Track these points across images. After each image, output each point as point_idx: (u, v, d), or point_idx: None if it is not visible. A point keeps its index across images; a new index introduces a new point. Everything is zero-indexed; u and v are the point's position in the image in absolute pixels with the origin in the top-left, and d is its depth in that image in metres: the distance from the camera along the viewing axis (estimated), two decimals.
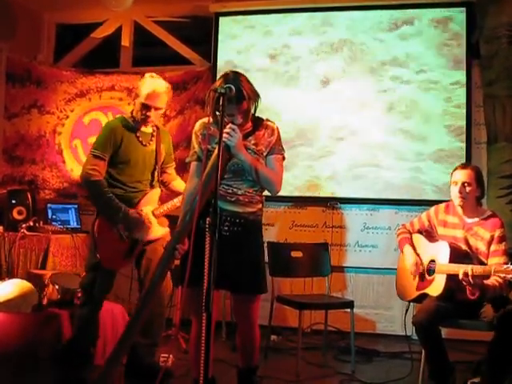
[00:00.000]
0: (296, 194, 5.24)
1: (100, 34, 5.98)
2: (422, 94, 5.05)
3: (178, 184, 3.68)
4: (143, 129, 3.44)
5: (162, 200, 3.54)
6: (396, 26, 5.14)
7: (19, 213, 4.66)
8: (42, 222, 4.65)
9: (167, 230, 3.48)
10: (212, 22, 5.52)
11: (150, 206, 3.44)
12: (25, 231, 4.41)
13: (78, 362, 3.35)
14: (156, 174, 3.52)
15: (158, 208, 3.46)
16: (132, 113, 3.44)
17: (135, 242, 3.36)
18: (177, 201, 3.45)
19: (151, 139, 3.47)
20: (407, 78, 5.09)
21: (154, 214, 3.43)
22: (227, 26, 5.47)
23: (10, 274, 4.25)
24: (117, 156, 3.35)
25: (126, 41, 5.94)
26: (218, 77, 2.82)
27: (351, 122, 5.17)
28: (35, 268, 4.35)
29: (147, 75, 3.45)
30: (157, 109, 3.38)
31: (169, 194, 3.68)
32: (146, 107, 3.34)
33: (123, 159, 3.36)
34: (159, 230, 3.44)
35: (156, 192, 3.51)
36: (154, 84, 3.37)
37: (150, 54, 6.17)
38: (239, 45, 5.42)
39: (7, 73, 5.45)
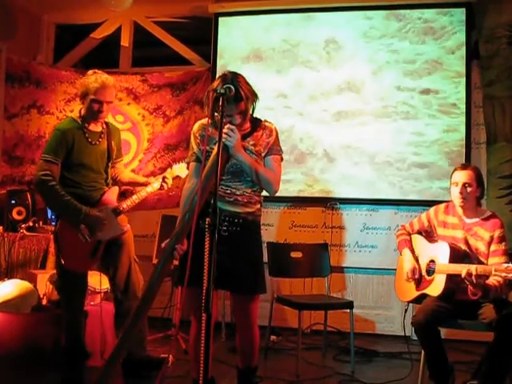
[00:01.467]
0: (295, 194, 5.25)
1: (99, 34, 5.98)
2: (422, 93, 5.06)
3: (128, 175, 3.70)
4: (92, 128, 3.41)
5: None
6: (395, 26, 5.14)
7: (19, 213, 4.65)
8: (41, 223, 4.65)
9: (128, 227, 3.47)
10: (211, 22, 5.52)
11: (110, 204, 3.42)
12: (24, 231, 4.41)
13: (74, 363, 3.35)
14: (109, 171, 3.51)
15: (119, 205, 3.44)
16: (80, 112, 3.41)
17: (98, 242, 3.33)
18: (135, 198, 3.48)
19: (100, 137, 3.44)
20: (407, 78, 5.09)
21: (115, 212, 3.41)
22: (226, 27, 5.48)
23: (10, 275, 4.25)
24: (70, 158, 3.31)
25: (125, 41, 5.94)
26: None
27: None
28: (35, 268, 4.35)
29: (89, 72, 3.40)
30: (108, 102, 3.36)
31: (130, 189, 3.67)
32: (97, 102, 3.31)
33: (76, 161, 3.33)
34: (122, 227, 3.42)
35: (115, 190, 3.50)
36: (101, 78, 3.33)
37: (149, 55, 6.17)
38: (239, 44, 5.43)
39: (6, 73, 5.44)
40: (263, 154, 2.80)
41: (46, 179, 3.21)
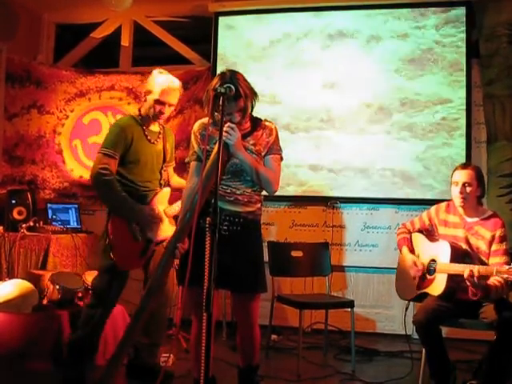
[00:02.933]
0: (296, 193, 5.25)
1: (99, 33, 5.98)
2: (422, 94, 5.06)
3: (177, 181, 3.65)
4: (151, 127, 3.39)
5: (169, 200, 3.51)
6: (395, 26, 5.14)
7: (19, 213, 4.65)
8: (42, 222, 4.65)
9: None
10: (211, 21, 5.52)
11: (161, 205, 3.38)
12: (25, 231, 4.40)
13: (81, 361, 3.32)
14: (163, 172, 3.47)
15: (169, 208, 3.40)
16: (140, 111, 3.38)
17: (148, 241, 3.30)
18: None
19: (158, 137, 3.42)
20: (407, 77, 5.09)
21: (165, 214, 3.37)
22: (226, 25, 5.48)
23: (11, 274, 4.25)
24: (127, 155, 3.26)
25: (125, 41, 5.94)
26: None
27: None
28: (35, 268, 4.35)
29: (156, 71, 3.38)
30: (170, 105, 3.34)
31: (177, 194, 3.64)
32: (160, 103, 3.29)
33: (133, 158, 3.28)
34: (170, 230, 3.35)
35: (167, 191, 3.45)
36: (167, 80, 3.31)
37: (149, 54, 6.17)
38: (239, 44, 5.43)
39: (7, 73, 5.45)
40: (263, 154, 2.80)
41: (104, 173, 3.14)
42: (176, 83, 3.35)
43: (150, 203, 3.33)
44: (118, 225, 3.22)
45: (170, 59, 5.80)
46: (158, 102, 3.28)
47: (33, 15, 5.87)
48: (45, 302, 3.87)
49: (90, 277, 3.89)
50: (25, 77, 5.51)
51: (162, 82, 3.30)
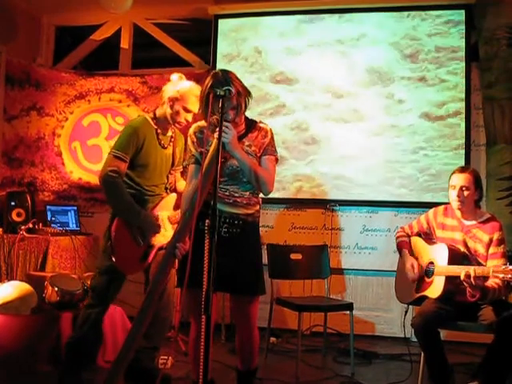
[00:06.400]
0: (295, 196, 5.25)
1: (99, 36, 5.98)
2: (421, 97, 5.07)
3: (182, 184, 3.57)
4: (165, 131, 3.35)
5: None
6: (395, 27, 5.16)
7: (18, 215, 4.65)
8: (41, 224, 4.65)
9: None
10: (211, 24, 5.53)
11: (165, 211, 3.35)
12: (24, 233, 4.40)
13: (82, 363, 3.31)
14: (170, 176, 3.44)
15: (174, 214, 3.36)
16: (155, 113, 3.34)
17: (150, 247, 3.27)
18: None
19: (170, 142, 3.39)
20: (406, 79, 5.10)
21: (169, 220, 3.34)
22: (226, 28, 5.49)
23: (10, 276, 4.25)
24: (137, 158, 3.22)
25: (125, 43, 5.95)
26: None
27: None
28: (34, 270, 4.35)
29: (175, 77, 3.34)
30: (194, 114, 3.29)
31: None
32: (188, 111, 3.26)
33: (143, 162, 3.25)
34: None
35: (172, 197, 3.42)
36: (196, 88, 3.23)
37: (149, 56, 6.17)
38: (238, 46, 5.44)
39: (6, 75, 5.45)
40: (259, 155, 2.80)
41: (113, 175, 3.11)
42: (198, 92, 3.33)
43: (153, 209, 3.31)
44: (121, 228, 3.20)
45: (169, 61, 5.81)
46: (186, 109, 3.25)
47: (32, 17, 5.88)
48: (44, 304, 3.87)
49: (89, 279, 3.90)
50: (24, 79, 5.51)
51: (192, 90, 3.25)
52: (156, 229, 3.27)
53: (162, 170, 3.36)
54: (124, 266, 3.23)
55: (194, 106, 3.25)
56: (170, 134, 3.39)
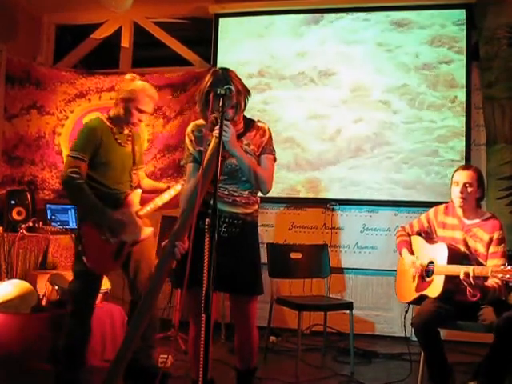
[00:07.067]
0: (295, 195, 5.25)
1: (100, 34, 5.98)
2: (421, 97, 5.06)
3: (149, 183, 3.64)
4: (121, 130, 3.37)
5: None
6: (395, 28, 5.15)
7: (18, 213, 4.65)
8: (41, 223, 4.65)
9: (151, 229, 3.44)
10: (212, 23, 5.53)
11: (133, 207, 3.38)
12: (24, 232, 4.40)
13: (75, 365, 3.31)
14: (133, 174, 3.47)
15: (141, 209, 3.40)
16: (109, 114, 3.36)
17: (122, 244, 3.29)
18: (158, 200, 3.44)
19: (128, 139, 3.41)
20: (407, 79, 5.10)
21: (137, 215, 3.38)
22: (227, 27, 5.49)
23: (10, 275, 4.25)
24: (97, 157, 3.24)
25: (125, 42, 5.95)
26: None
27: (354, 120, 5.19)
28: (34, 269, 4.35)
29: (130, 76, 3.38)
30: (148, 114, 3.37)
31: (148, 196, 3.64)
32: (141, 112, 3.29)
33: (103, 160, 3.27)
34: (144, 231, 3.39)
35: (137, 193, 3.45)
36: (150, 89, 3.32)
37: (149, 55, 6.17)
38: (238, 46, 5.44)
39: (7, 74, 5.45)
40: (257, 154, 2.80)
41: (75, 177, 3.12)
42: (155, 93, 3.37)
43: (121, 206, 3.33)
44: (90, 229, 3.23)
45: (169, 60, 5.81)
46: (139, 110, 3.29)
47: (33, 16, 5.88)
48: (44, 302, 3.87)
49: None
50: (25, 77, 5.51)
51: (146, 90, 3.30)
52: (125, 225, 3.28)
53: (124, 167, 3.39)
54: (97, 267, 3.25)
55: (148, 106, 3.31)
56: (126, 132, 3.41)
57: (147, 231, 3.40)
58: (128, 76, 3.40)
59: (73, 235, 3.32)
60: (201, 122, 2.83)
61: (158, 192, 3.56)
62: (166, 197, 3.47)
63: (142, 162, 3.60)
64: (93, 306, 3.36)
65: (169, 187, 3.54)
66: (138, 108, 3.28)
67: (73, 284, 3.36)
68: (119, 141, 3.35)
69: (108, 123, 3.32)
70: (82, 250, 3.21)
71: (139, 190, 3.47)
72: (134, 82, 3.33)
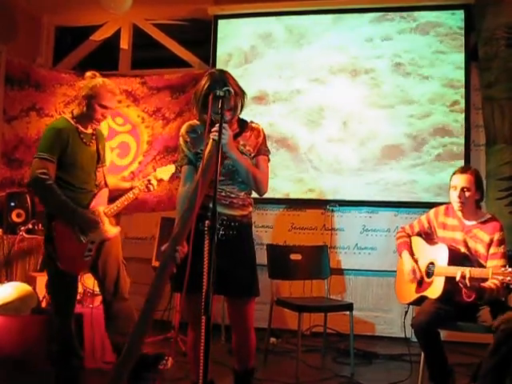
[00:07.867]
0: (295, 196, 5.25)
1: (99, 36, 5.99)
2: (421, 95, 5.07)
3: (112, 181, 3.65)
4: (85, 129, 3.38)
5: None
6: (394, 28, 5.16)
7: (18, 215, 4.65)
8: (40, 225, 4.64)
9: (118, 228, 3.47)
10: (211, 24, 5.53)
11: (100, 206, 3.41)
12: (24, 234, 4.40)
13: (67, 364, 3.32)
14: (97, 172, 3.48)
15: (109, 208, 3.43)
16: (73, 113, 3.38)
17: (91, 243, 3.32)
18: (124, 199, 3.48)
19: (92, 139, 3.43)
20: (406, 79, 5.10)
21: (105, 214, 3.40)
22: (226, 29, 5.49)
23: (9, 277, 4.24)
24: (64, 157, 3.26)
25: (124, 43, 5.95)
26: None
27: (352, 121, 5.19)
28: (34, 271, 4.35)
29: (89, 74, 3.40)
30: (112, 109, 3.41)
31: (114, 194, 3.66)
32: (104, 108, 3.33)
33: (71, 160, 3.28)
34: (112, 230, 3.42)
35: (105, 192, 3.47)
36: (110, 85, 3.36)
37: (148, 57, 6.17)
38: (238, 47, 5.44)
39: (6, 75, 5.44)
40: (252, 155, 2.80)
41: (43, 178, 3.15)
42: (116, 88, 3.41)
43: (88, 205, 3.35)
44: (61, 228, 3.25)
45: (169, 62, 5.81)
46: (102, 106, 3.32)
47: (32, 18, 5.88)
48: (44, 304, 3.87)
49: (88, 280, 3.90)
50: (24, 79, 5.50)
51: (105, 86, 3.33)
52: (95, 224, 3.32)
53: (90, 167, 3.41)
54: (71, 266, 3.27)
55: (110, 101, 3.35)
56: (90, 131, 3.43)
57: (114, 230, 3.44)
58: (88, 73, 3.42)
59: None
60: (195, 122, 2.82)
61: (121, 191, 3.60)
62: (131, 196, 3.51)
63: (105, 161, 3.63)
64: (72, 306, 3.38)
65: (132, 187, 3.59)
66: (101, 104, 3.31)
67: (49, 286, 3.41)
68: (85, 140, 3.37)
69: (73, 123, 3.35)
70: (54, 251, 3.23)
71: (106, 189, 3.50)
72: (95, 79, 3.37)
